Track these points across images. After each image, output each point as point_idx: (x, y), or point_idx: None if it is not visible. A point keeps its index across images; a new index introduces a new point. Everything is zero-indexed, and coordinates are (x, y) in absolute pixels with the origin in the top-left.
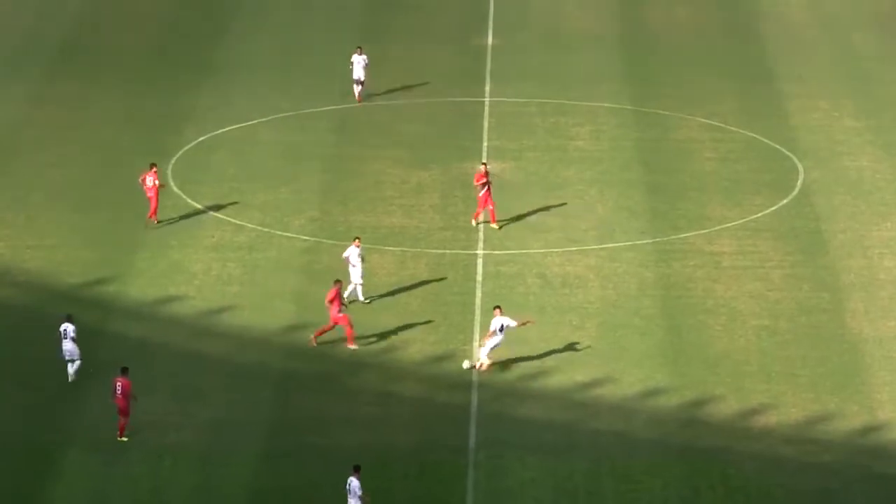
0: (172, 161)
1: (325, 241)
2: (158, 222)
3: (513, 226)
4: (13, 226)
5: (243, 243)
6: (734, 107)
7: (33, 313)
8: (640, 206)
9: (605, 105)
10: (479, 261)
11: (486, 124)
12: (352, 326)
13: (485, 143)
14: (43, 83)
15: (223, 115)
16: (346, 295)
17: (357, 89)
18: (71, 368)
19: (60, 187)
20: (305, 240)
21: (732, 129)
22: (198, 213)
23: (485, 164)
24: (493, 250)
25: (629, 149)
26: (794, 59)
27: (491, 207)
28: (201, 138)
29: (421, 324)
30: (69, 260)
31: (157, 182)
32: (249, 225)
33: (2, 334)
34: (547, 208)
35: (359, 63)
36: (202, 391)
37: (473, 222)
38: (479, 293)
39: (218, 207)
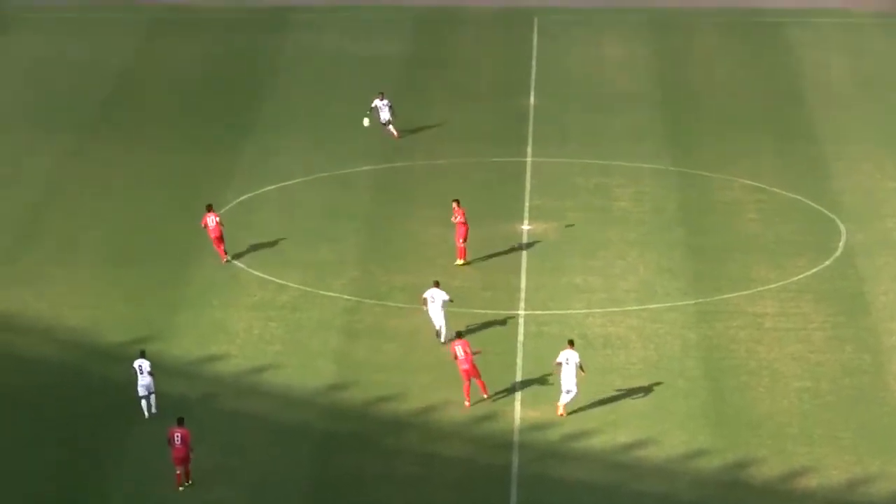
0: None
1: (366, 300)
2: (227, 261)
3: (555, 286)
4: (55, 283)
5: (285, 302)
6: (776, 168)
7: (75, 371)
8: (682, 267)
9: (648, 166)
10: (521, 321)
11: (527, 184)
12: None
13: (527, 204)
14: (84, 140)
15: (263, 174)
16: (442, 341)
17: (390, 128)
18: (148, 403)
19: (101, 245)
20: (347, 299)
21: (775, 190)
22: (239, 272)
23: (456, 200)
24: (535, 310)
25: (671, 210)
26: (836, 120)
27: (461, 243)
28: (242, 197)
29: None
30: (111, 318)
31: (218, 221)
32: (291, 284)
33: (44, 392)
34: (589, 269)
35: (383, 108)
36: (244, 449)
37: (459, 262)
38: (520, 353)
39: (260, 267)
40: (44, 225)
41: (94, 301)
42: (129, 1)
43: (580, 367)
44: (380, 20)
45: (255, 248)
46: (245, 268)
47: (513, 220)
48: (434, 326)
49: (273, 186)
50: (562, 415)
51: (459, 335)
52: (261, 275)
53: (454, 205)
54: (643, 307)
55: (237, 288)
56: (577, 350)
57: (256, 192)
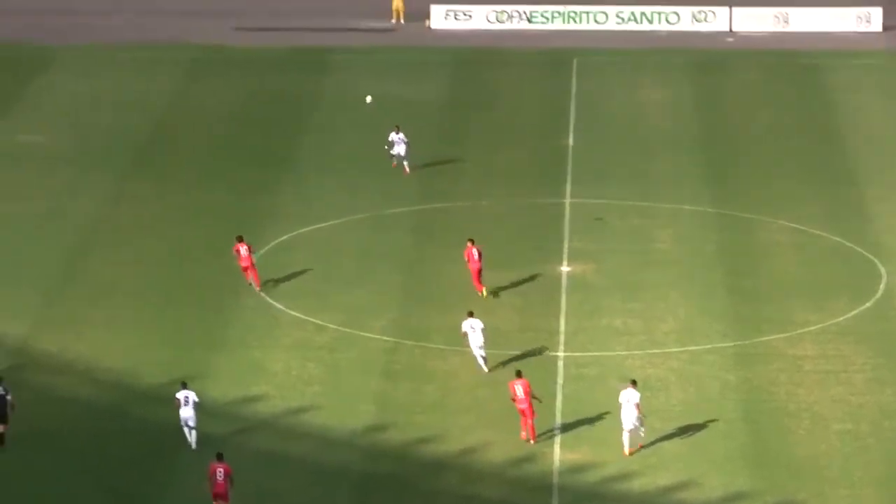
0: (253, 259)
1: (405, 341)
2: (261, 287)
3: (594, 328)
4: (94, 324)
5: (324, 343)
6: (816, 209)
7: (114, 412)
8: (722, 309)
9: (687, 207)
10: (560, 363)
11: (566, 226)
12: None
13: (566, 245)
14: (122, 180)
15: (302, 215)
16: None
17: (405, 164)
18: (192, 436)
19: (140, 286)
20: (386, 340)
21: (815, 232)
22: (278, 312)
23: (471, 240)
24: (574, 352)
25: (711, 251)
26: (876, 162)
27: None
28: (280, 238)
29: (501, 425)
30: (150, 359)
31: (250, 251)
32: (330, 325)
33: (83, 434)
34: (628, 311)
35: (399, 142)
36: (282, 491)
37: (483, 293)
38: (559, 395)
39: (298, 307)
40: (83, 266)
41: (133, 342)
42: (170, 41)
43: (637, 407)
44: (419, 62)
45: (293, 288)
46: (284, 308)
47: (552, 262)
48: (476, 358)
49: (312, 227)
50: (631, 453)
51: (519, 374)
52: (299, 315)
53: (469, 244)
54: (683, 349)
55: (276, 328)
56: (615, 395)
57: (295, 233)
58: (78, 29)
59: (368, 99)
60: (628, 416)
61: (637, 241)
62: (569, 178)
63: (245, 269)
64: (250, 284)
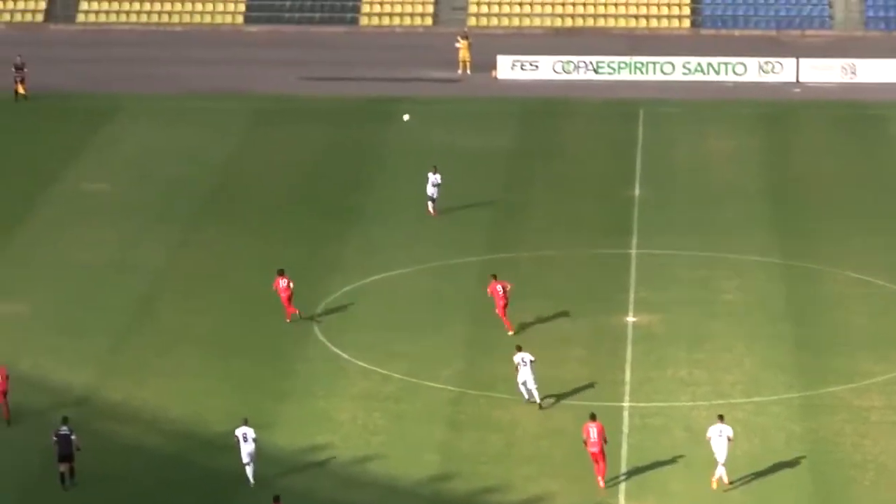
0: (318, 309)
1: (470, 391)
2: (297, 315)
3: (660, 379)
4: (160, 373)
5: (390, 393)
6: (883, 261)
7: (179, 462)
8: (787, 360)
9: (754, 258)
10: (626, 413)
11: (632, 276)
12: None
13: (631, 296)
14: (189, 229)
15: (368, 264)
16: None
17: (430, 205)
18: (250, 472)
19: (206, 334)
20: (451, 390)
21: (880, 282)
22: (343, 362)
23: (494, 275)
24: (640, 402)
25: (777, 302)
26: None
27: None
28: (347, 287)
29: (565, 476)
30: (215, 408)
31: (290, 285)
32: (396, 375)
33: (148, 483)
34: (694, 361)
35: (432, 182)
36: None
37: (510, 333)
38: (624, 446)
39: (364, 357)
40: (149, 315)
41: (198, 390)
42: (235, 90)
43: (729, 440)
44: (485, 112)
45: (359, 338)
46: (350, 358)
47: (618, 313)
48: (525, 394)
49: (377, 277)
50: (716, 486)
51: (594, 417)
52: (365, 365)
53: (492, 280)
54: (748, 400)
55: (342, 378)
56: (685, 443)
57: (361, 283)
58: (144, 79)
59: (406, 117)
60: (720, 449)
61: (703, 291)
62: (635, 228)
63: (285, 299)
64: (293, 316)
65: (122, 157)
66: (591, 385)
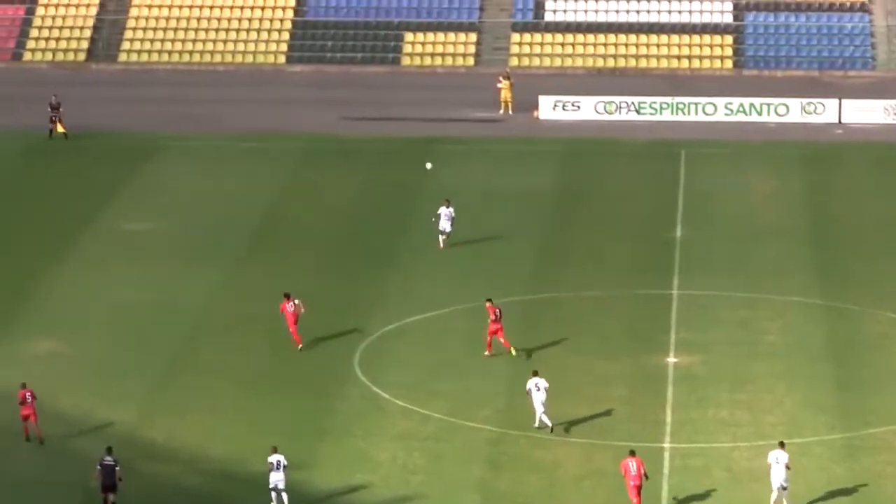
0: (360, 349)
1: (510, 431)
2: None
3: (700, 419)
4: (200, 412)
5: (429, 433)
6: None
7: (221, 501)
8: (829, 401)
9: (795, 299)
10: (666, 454)
11: (673, 317)
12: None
13: (672, 336)
14: (230, 269)
15: (409, 303)
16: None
17: (441, 238)
18: (280, 499)
19: (247, 373)
20: (491, 430)
21: None
22: (383, 402)
23: (489, 300)
24: (680, 443)
25: (818, 343)
26: None
27: (501, 339)
28: (388, 327)
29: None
30: (255, 448)
31: (298, 309)
32: (435, 414)
33: None
34: (735, 402)
35: (446, 216)
36: None
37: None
38: (665, 486)
39: (404, 396)
40: (191, 354)
41: (239, 430)
42: (277, 130)
43: (787, 467)
44: (527, 153)
45: (399, 377)
46: (390, 398)
47: (659, 353)
48: (537, 416)
49: (418, 316)
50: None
51: (633, 453)
52: (405, 405)
53: (487, 304)
54: (790, 441)
55: (381, 418)
56: (725, 484)
57: (402, 322)
58: (186, 118)
59: (429, 165)
60: (777, 476)
61: (744, 332)
62: (676, 268)
63: (291, 323)
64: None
65: (164, 197)
66: (632, 425)
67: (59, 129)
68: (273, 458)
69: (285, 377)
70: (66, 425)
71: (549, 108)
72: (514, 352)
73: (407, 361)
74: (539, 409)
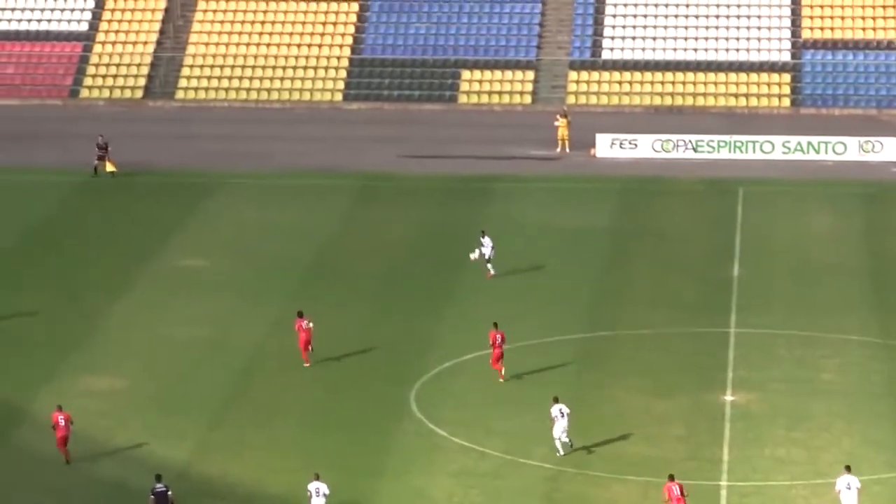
0: (415, 387)
1: (567, 469)
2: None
3: (758, 457)
4: (256, 448)
5: (487, 470)
6: None
7: None
8: (888, 440)
9: (853, 337)
10: (723, 492)
11: (730, 355)
12: None
13: (729, 374)
14: (285, 306)
15: (465, 341)
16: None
17: (489, 266)
18: None
19: (303, 410)
20: (548, 468)
21: None
22: (440, 439)
23: (495, 323)
24: (737, 482)
25: (877, 381)
26: None
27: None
28: (445, 364)
29: None
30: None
31: (310, 327)
32: (493, 452)
33: None
34: (792, 440)
35: (487, 245)
36: None
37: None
38: None
39: (461, 434)
40: (246, 391)
41: (295, 467)
42: (333, 168)
43: (859, 492)
44: (584, 190)
45: (456, 415)
46: (447, 435)
47: (716, 391)
48: (560, 448)
49: (475, 354)
50: None
51: (672, 478)
52: (462, 442)
53: (491, 331)
54: None
55: (438, 455)
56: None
57: (458, 359)
58: (242, 156)
59: (473, 256)
60: (849, 502)
61: (802, 370)
62: (734, 307)
63: (303, 341)
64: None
65: (220, 234)
66: (689, 463)
67: (108, 167)
68: (312, 486)
69: (341, 413)
70: (122, 462)
71: (607, 146)
72: (502, 379)
73: (464, 398)
74: (559, 435)
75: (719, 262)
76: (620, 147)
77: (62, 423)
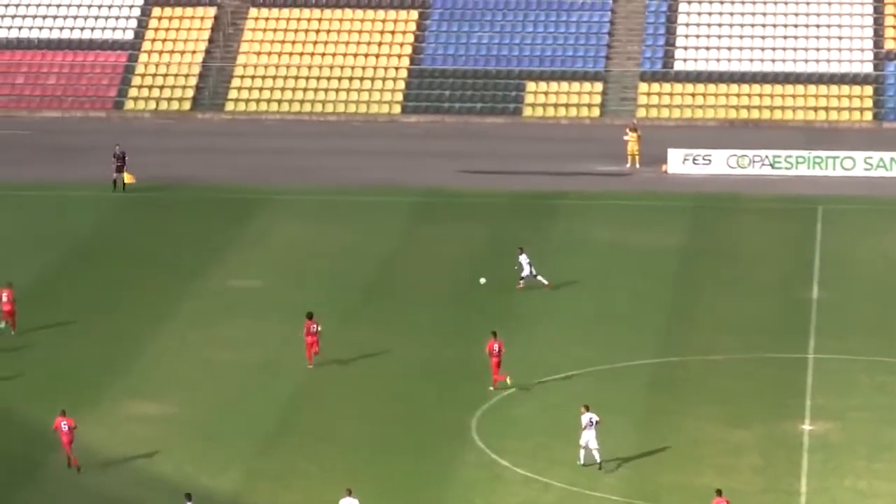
0: (477, 414)
1: (635, 500)
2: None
3: (837, 489)
4: (307, 476)
5: (550, 502)
6: None
7: None
8: None
9: None
10: None
11: (809, 381)
12: None
13: (807, 401)
14: (340, 328)
15: (529, 366)
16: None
17: (541, 279)
18: None
19: (359, 438)
20: (615, 500)
21: None
22: (503, 470)
23: (494, 332)
24: None
25: None
26: None
27: (496, 376)
28: (508, 391)
29: None
30: None
31: (318, 330)
32: (557, 483)
33: None
34: (873, 471)
35: (526, 262)
36: None
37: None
38: None
39: (524, 464)
40: (297, 416)
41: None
42: (389, 183)
43: None
44: (655, 208)
45: (519, 443)
46: (509, 465)
47: (793, 419)
48: (581, 458)
49: (538, 380)
50: None
51: (720, 493)
52: (525, 473)
53: (491, 337)
54: None
55: (500, 486)
56: None
57: (522, 386)
58: (295, 170)
59: (483, 281)
60: None
61: (884, 397)
62: (812, 331)
63: (310, 345)
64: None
65: (271, 253)
66: (766, 495)
67: (127, 178)
68: (344, 502)
69: (397, 442)
70: (167, 491)
71: (679, 162)
72: (493, 388)
73: (527, 426)
74: (589, 444)
75: (797, 284)
76: (693, 163)
77: (65, 428)
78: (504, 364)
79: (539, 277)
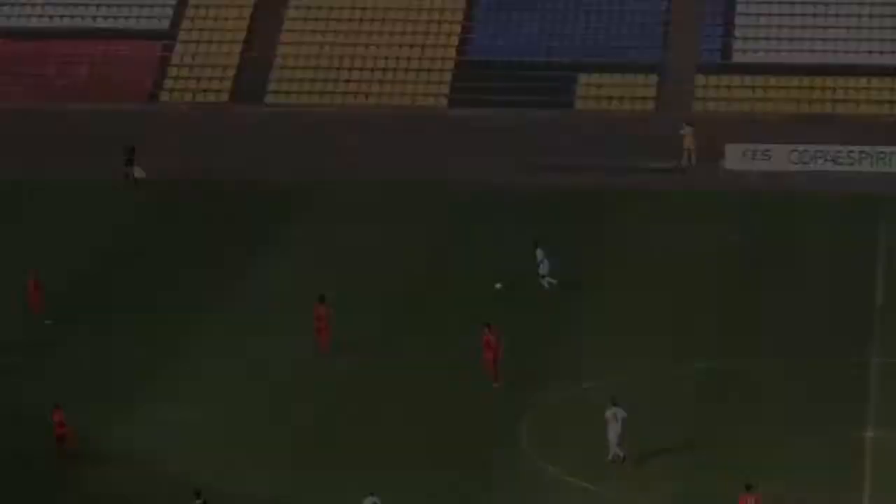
0: (527, 420)
1: None
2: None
3: None
4: (348, 490)
5: None
6: None
7: None
8: None
9: None
10: None
11: (872, 387)
12: None
13: (871, 408)
14: (384, 333)
15: (582, 370)
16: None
17: (543, 282)
18: None
19: (400, 445)
20: None
21: None
22: (553, 477)
23: (488, 325)
24: None
25: None
26: None
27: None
28: (559, 396)
29: None
30: None
31: (329, 315)
32: (608, 493)
33: None
34: None
35: (542, 262)
36: None
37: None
38: None
39: (573, 473)
40: (338, 425)
41: None
42: (434, 179)
43: None
44: (712, 206)
45: (569, 452)
46: (559, 473)
47: (856, 426)
48: (614, 448)
49: (590, 385)
50: None
51: (749, 488)
52: (576, 481)
53: (486, 329)
54: None
55: (550, 495)
56: None
57: (573, 391)
58: (338, 165)
59: (498, 286)
60: None
61: None
62: (877, 335)
63: (319, 329)
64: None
65: (313, 250)
66: None
67: (137, 172)
68: (369, 500)
69: (444, 449)
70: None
71: (737, 157)
72: (496, 384)
73: (578, 434)
74: (614, 440)
75: (860, 286)
76: (752, 158)
77: (58, 421)
78: (556, 366)
79: (543, 281)
